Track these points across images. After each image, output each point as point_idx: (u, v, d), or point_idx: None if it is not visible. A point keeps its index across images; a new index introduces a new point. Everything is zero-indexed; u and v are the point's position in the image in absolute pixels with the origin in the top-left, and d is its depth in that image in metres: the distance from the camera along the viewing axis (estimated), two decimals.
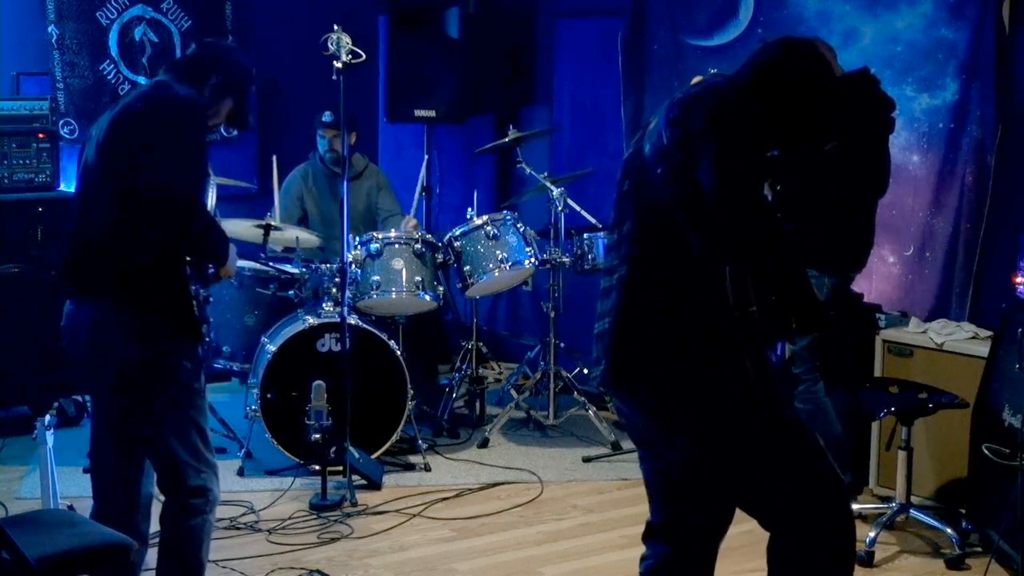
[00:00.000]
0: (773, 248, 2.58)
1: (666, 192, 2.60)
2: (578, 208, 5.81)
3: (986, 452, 4.08)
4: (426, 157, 6.72)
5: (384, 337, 5.09)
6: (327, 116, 5.79)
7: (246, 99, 3.52)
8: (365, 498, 4.79)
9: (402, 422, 5.11)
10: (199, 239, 3.31)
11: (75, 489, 4.68)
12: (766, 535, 4.54)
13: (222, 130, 6.47)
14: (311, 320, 5.04)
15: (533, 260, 5.45)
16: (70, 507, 3.84)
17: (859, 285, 5.13)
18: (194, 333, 3.31)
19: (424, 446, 5.34)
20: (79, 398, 5.74)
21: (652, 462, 2.84)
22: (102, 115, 3.41)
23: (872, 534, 4.24)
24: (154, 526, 3.85)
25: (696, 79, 4.66)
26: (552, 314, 5.68)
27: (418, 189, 6.06)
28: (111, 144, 3.26)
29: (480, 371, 6.14)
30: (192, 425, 3.33)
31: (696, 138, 2.55)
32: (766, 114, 2.63)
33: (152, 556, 4.02)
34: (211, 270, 3.44)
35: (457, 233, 5.44)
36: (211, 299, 3.52)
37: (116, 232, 3.23)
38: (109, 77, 6.31)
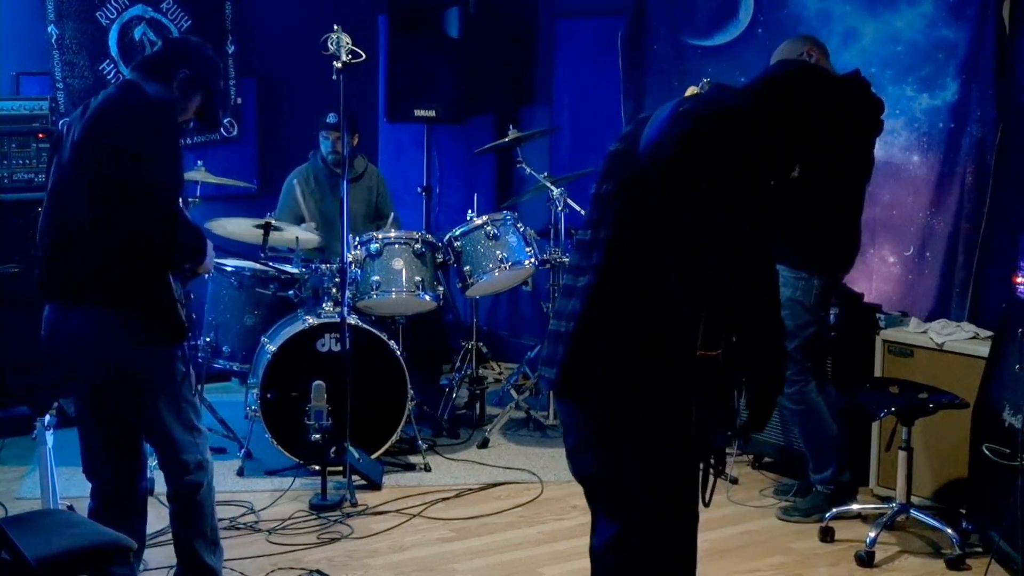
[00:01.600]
0: (759, 293, 2.53)
1: (658, 210, 2.52)
2: (578, 208, 5.80)
3: (986, 452, 4.08)
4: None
5: (384, 337, 5.08)
6: (331, 117, 5.79)
7: (214, 94, 3.53)
8: (365, 498, 4.78)
9: (402, 422, 5.11)
10: (179, 244, 3.35)
11: (75, 489, 4.68)
12: (765, 535, 4.56)
13: (221, 131, 6.50)
14: (311, 320, 5.04)
15: (533, 260, 5.44)
16: (70, 507, 3.83)
17: (859, 285, 5.13)
18: (179, 334, 3.38)
19: (424, 446, 5.34)
20: None
21: (574, 462, 2.79)
22: (72, 116, 3.42)
23: (872, 534, 4.24)
24: (152, 526, 3.86)
25: (691, 90, 4.65)
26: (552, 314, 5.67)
27: None
28: (88, 150, 3.28)
29: (480, 371, 6.14)
30: (182, 401, 3.46)
31: (706, 172, 2.46)
32: (774, 148, 2.56)
33: (152, 556, 4.03)
34: (187, 266, 3.48)
35: (457, 233, 5.43)
36: (192, 295, 3.61)
37: (98, 238, 3.25)
38: (109, 77, 6.30)
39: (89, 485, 3.59)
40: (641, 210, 2.55)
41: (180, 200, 3.35)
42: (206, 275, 3.72)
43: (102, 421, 3.48)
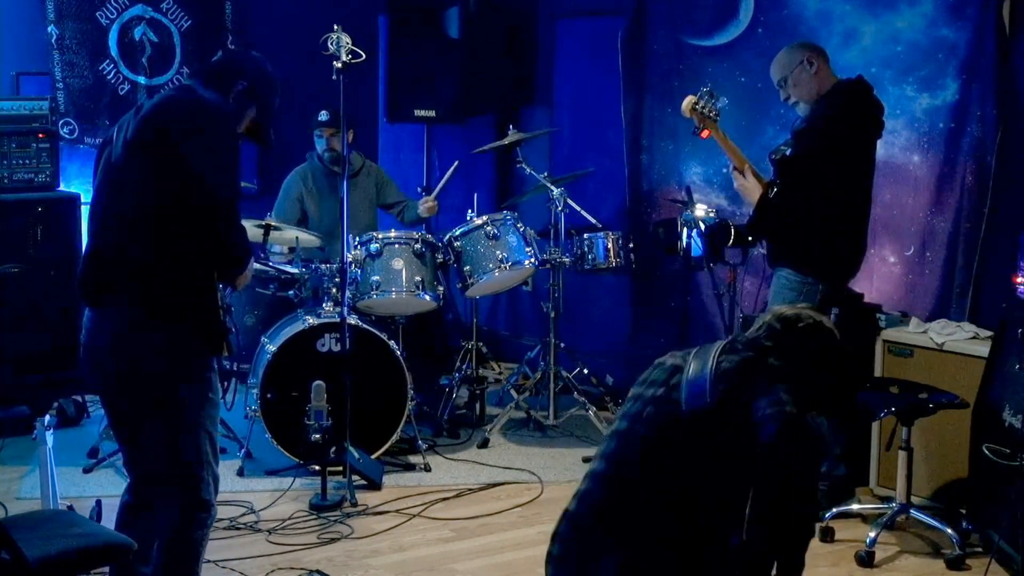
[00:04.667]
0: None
1: (701, 452, 2.74)
2: (578, 208, 5.81)
3: (986, 452, 4.08)
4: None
5: (384, 337, 5.09)
6: (323, 115, 5.80)
7: (270, 110, 3.45)
8: (365, 498, 4.79)
9: (402, 422, 5.11)
10: (233, 248, 3.25)
11: (75, 489, 4.68)
12: None
13: None
14: (311, 320, 5.04)
15: (533, 260, 5.45)
16: (70, 507, 3.84)
17: (859, 285, 5.13)
18: (218, 343, 3.24)
19: (424, 446, 5.34)
20: (79, 398, 5.74)
21: None
22: (124, 118, 3.28)
23: (872, 534, 4.24)
24: None
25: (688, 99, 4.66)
26: (552, 314, 5.68)
27: (450, 172, 5.93)
28: (141, 150, 3.15)
29: (480, 371, 6.14)
30: (205, 435, 3.25)
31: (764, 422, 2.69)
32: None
33: None
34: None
35: (457, 233, 5.44)
36: (232, 308, 3.41)
37: (146, 239, 3.13)
38: (109, 77, 6.31)
39: (89, 485, 3.56)
40: (681, 449, 2.79)
41: (240, 206, 3.23)
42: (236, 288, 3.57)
43: (128, 425, 3.29)
